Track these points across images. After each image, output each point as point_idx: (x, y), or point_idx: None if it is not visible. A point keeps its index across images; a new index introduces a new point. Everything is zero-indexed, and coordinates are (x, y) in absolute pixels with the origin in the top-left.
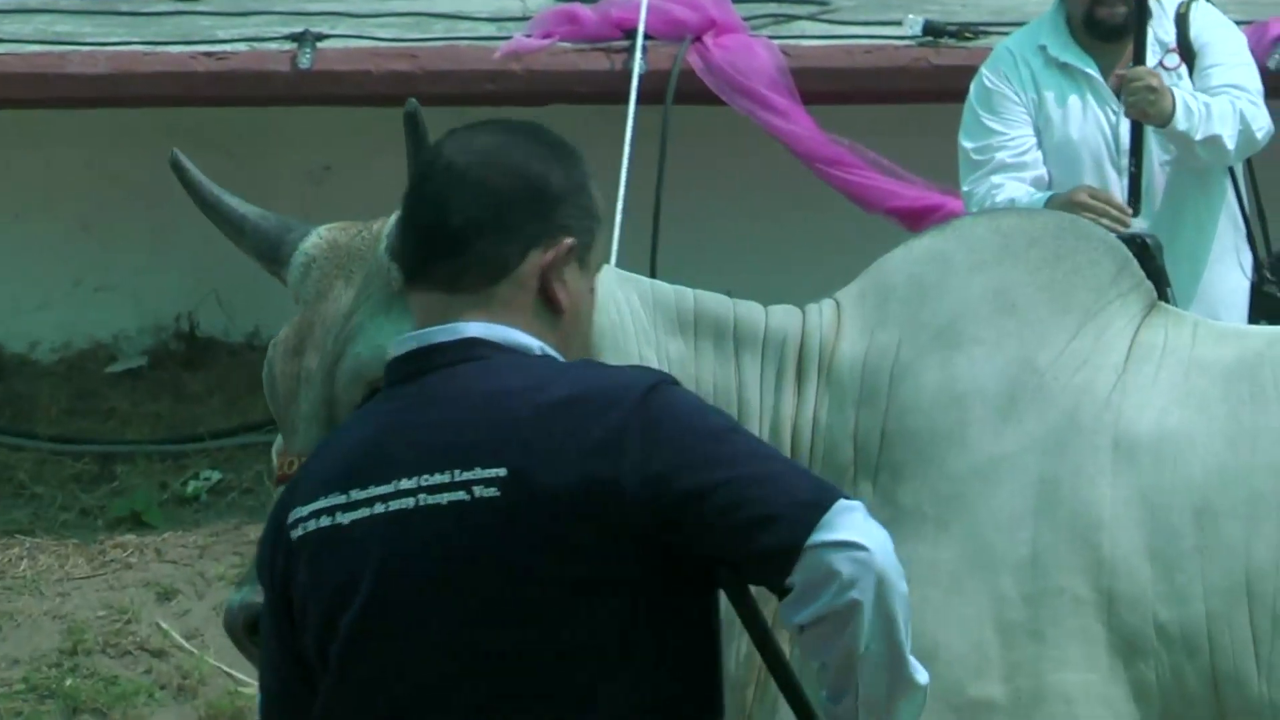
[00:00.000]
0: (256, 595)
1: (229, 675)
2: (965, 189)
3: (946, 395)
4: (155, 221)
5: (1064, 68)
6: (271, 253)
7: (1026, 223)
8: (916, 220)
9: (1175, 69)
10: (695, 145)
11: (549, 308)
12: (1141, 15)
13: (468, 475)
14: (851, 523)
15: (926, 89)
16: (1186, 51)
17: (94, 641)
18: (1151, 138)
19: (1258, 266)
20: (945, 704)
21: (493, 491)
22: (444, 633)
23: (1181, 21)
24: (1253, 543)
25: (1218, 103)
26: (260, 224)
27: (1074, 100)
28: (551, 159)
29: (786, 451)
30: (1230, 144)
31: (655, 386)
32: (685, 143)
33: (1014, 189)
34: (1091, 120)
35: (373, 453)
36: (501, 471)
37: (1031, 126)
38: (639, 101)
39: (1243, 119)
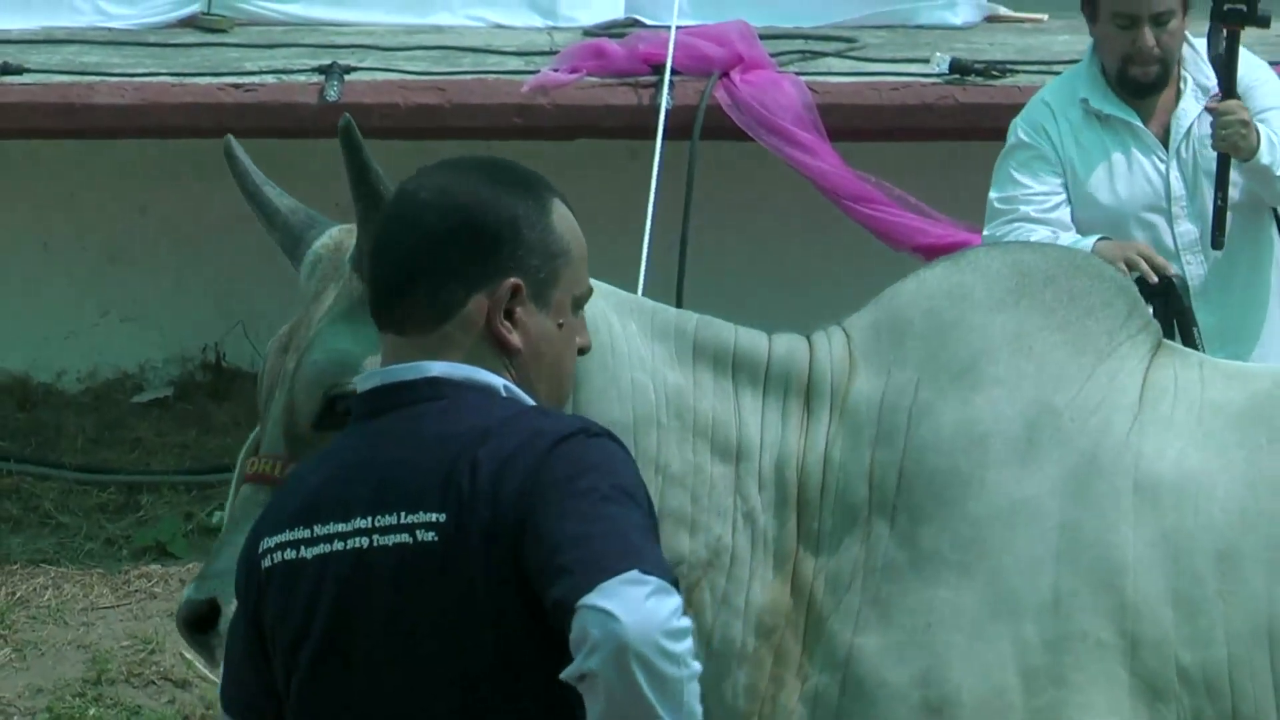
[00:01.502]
0: (199, 594)
1: None
2: (985, 233)
3: (967, 437)
4: (182, 252)
5: (1106, 120)
6: (292, 247)
7: (1041, 260)
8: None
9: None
10: (721, 180)
11: (500, 348)
12: (1233, 46)
13: (412, 518)
14: (623, 594)
15: (953, 127)
16: (1229, 96)
17: (118, 671)
18: (1202, 182)
19: None
20: None
21: (431, 536)
22: (391, 673)
23: (1218, 66)
24: (1274, 588)
25: None
26: (290, 217)
27: (1119, 154)
28: (501, 197)
29: (793, 488)
30: None
31: (568, 437)
32: (711, 178)
33: (1036, 232)
34: (1139, 172)
35: (335, 489)
36: (441, 517)
37: (1062, 183)
38: (665, 136)
39: None
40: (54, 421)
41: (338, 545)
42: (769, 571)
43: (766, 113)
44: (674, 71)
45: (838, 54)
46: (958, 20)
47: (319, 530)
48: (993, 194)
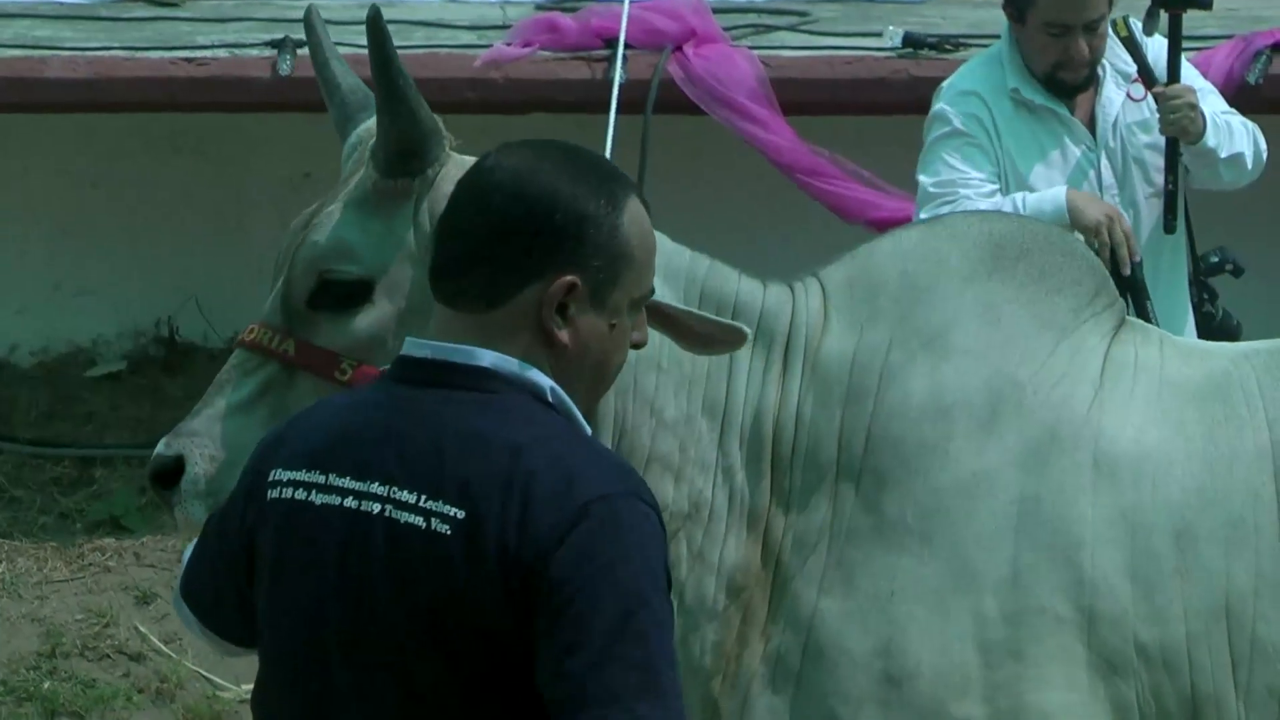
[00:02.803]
0: (168, 450)
1: (207, 679)
2: (919, 218)
3: (934, 405)
4: (135, 226)
5: (1036, 110)
6: (343, 124)
7: (1018, 233)
8: None
9: (1143, 99)
10: (675, 155)
11: (546, 343)
12: (1176, 30)
13: (432, 505)
14: None
15: (906, 100)
16: (1148, 80)
17: (72, 645)
18: (1132, 170)
19: (1193, 286)
20: None
21: (445, 529)
22: (369, 639)
23: (1131, 48)
24: (1232, 566)
25: (1234, 121)
26: (347, 96)
27: (1051, 144)
28: (575, 192)
29: (768, 445)
30: (1249, 162)
31: (605, 499)
32: (665, 152)
33: (967, 207)
34: (1071, 162)
35: (356, 444)
36: (460, 514)
37: (997, 173)
38: (619, 111)
39: (1255, 138)
40: (7, 395)
41: (349, 502)
42: (743, 530)
43: (720, 87)
44: (627, 45)
45: (791, 28)
46: None
47: (333, 480)
48: (925, 178)
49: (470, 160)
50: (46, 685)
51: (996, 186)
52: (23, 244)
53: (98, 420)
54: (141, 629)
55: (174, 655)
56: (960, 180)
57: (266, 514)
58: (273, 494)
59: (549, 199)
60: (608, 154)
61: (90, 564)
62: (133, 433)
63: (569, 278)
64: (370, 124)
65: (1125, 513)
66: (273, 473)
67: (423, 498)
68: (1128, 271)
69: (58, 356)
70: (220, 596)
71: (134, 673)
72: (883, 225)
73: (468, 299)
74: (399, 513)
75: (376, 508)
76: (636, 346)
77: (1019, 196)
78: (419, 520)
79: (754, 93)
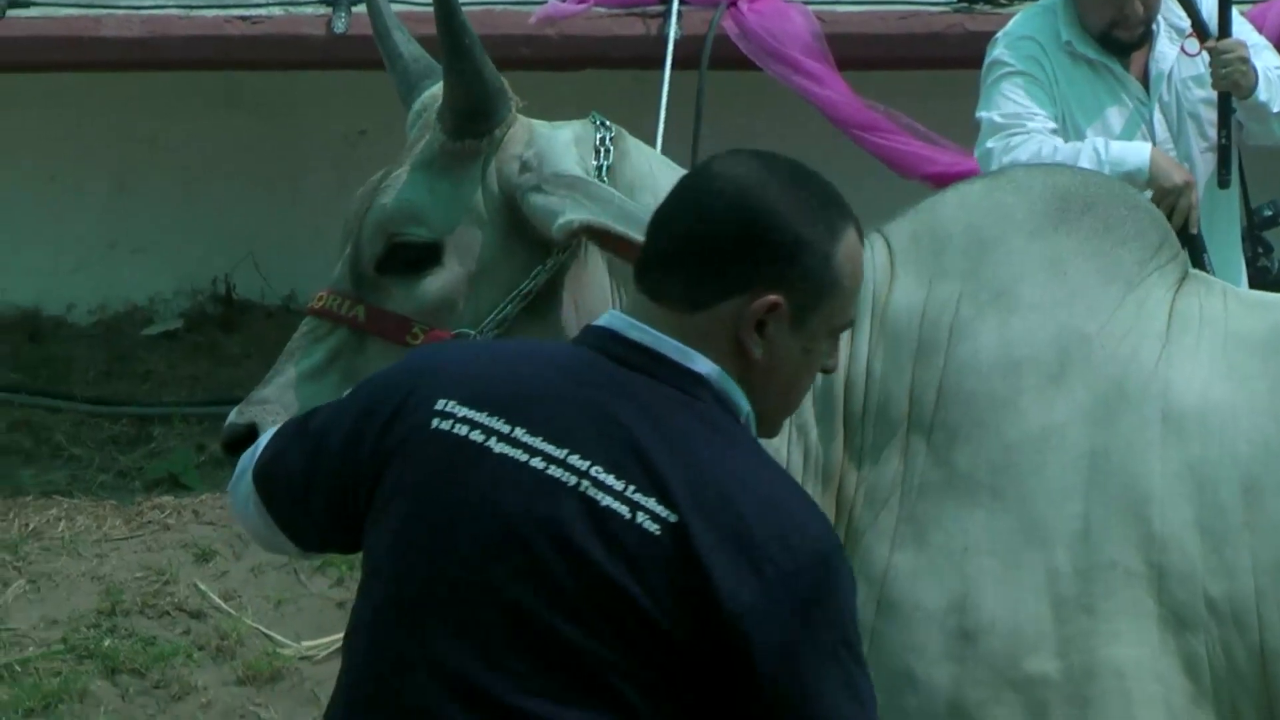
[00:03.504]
0: (240, 418)
1: (267, 636)
2: (990, 145)
3: (1004, 360)
4: (191, 184)
5: (1091, 64)
6: (406, 93)
7: (1082, 186)
8: None
9: (1197, 54)
10: (730, 110)
11: (739, 356)
12: None
13: (639, 498)
14: None
15: (962, 55)
16: (1202, 35)
17: (132, 602)
18: (1187, 125)
19: (1247, 240)
20: (1001, 678)
21: (655, 528)
22: (525, 604)
23: (1185, 2)
24: None
25: None
26: (410, 65)
27: (1107, 98)
28: (794, 215)
29: (839, 402)
30: None
31: (824, 553)
32: (720, 108)
33: (1044, 141)
34: (1126, 116)
35: (550, 404)
36: (673, 517)
37: (1055, 116)
38: (674, 67)
39: None
40: (64, 355)
41: (536, 462)
42: (819, 486)
43: (775, 42)
44: (681, 1)
45: None
46: None
47: (520, 434)
48: (990, 113)
49: (537, 123)
50: (107, 643)
51: (1056, 128)
52: (79, 203)
53: (155, 378)
54: (201, 586)
55: (233, 613)
56: (1026, 114)
57: (423, 441)
58: (438, 424)
59: (768, 217)
60: (662, 110)
61: (149, 522)
62: (190, 390)
63: (774, 296)
64: (434, 90)
65: (1193, 467)
66: (440, 401)
67: (630, 488)
68: (1195, 230)
69: (115, 315)
70: (303, 497)
71: (194, 630)
72: (938, 180)
73: (670, 298)
74: (599, 493)
75: (572, 480)
76: (826, 371)
77: (1100, 142)
78: (623, 509)
79: (809, 47)
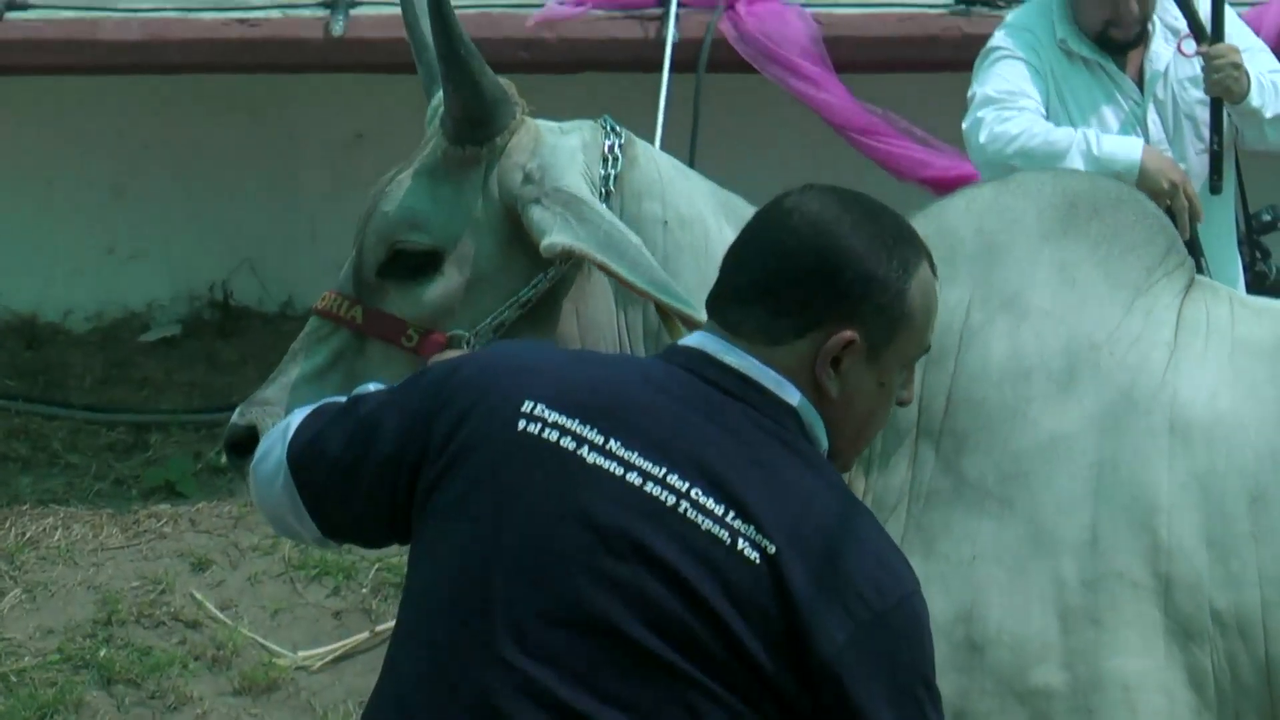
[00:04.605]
0: (241, 419)
1: (263, 646)
2: (975, 116)
3: (1014, 368)
4: (189, 189)
5: (1085, 62)
6: (429, 86)
7: (1090, 191)
8: (949, 189)
9: (1194, 55)
10: (728, 113)
11: (814, 391)
12: None
13: (740, 525)
14: None
15: (959, 57)
16: (1199, 36)
17: (128, 612)
18: (1183, 125)
19: (1244, 245)
20: (1008, 689)
21: (754, 555)
22: (614, 619)
23: (1183, 4)
24: None
25: None
26: (435, 57)
27: (1101, 97)
28: (868, 251)
29: None
30: None
31: (910, 597)
32: (718, 111)
33: (1037, 121)
34: (1119, 116)
35: (649, 421)
36: (772, 548)
37: (1046, 104)
38: (672, 70)
39: None
40: (61, 361)
41: (633, 477)
42: None
43: (772, 45)
44: (679, 4)
45: None
46: None
47: (615, 447)
48: (983, 88)
49: (547, 124)
50: (102, 653)
51: (1044, 114)
52: (76, 207)
53: (152, 385)
54: (197, 596)
55: (230, 622)
56: (1020, 93)
57: (507, 441)
58: (525, 425)
59: (843, 255)
60: (661, 113)
61: (145, 530)
62: (187, 398)
63: (849, 333)
64: None
65: (1200, 477)
66: (526, 403)
67: (730, 514)
68: (1187, 236)
69: (112, 321)
70: (345, 483)
71: (190, 640)
72: (936, 183)
73: (745, 332)
74: (700, 516)
75: (671, 500)
76: (902, 404)
77: (1093, 134)
78: (724, 534)
79: (807, 50)
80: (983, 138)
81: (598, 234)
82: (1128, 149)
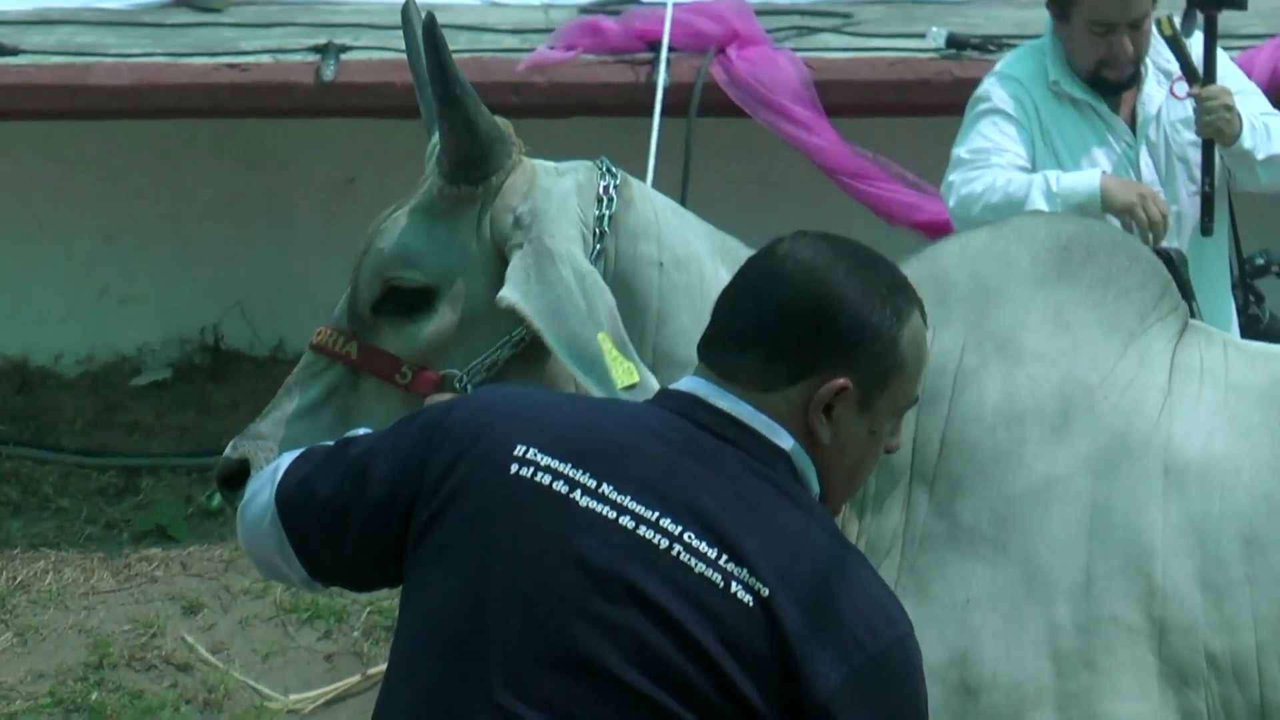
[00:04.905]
0: (234, 452)
1: (255, 689)
2: (951, 178)
3: (1008, 411)
4: (179, 233)
5: (1076, 104)
6: (430, 125)
7: (1084, 236)
8: (940, 234)
9: (1185, 98)
10: (719, 157)
11: (806, 437)
12: (1211, 30)
13: (733, 567)
14: None
15: (950, 101)
16: (1191, 79)
17: (119, 655)
18: (1176, 167)
19: (1238, 288)
20: None
21: (747, 598)
22: (608, 662)
23: (1175, 46)
24: None
25: (1274, 123)
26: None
27: (1093, 138)
28: (862, 299)
29: None
30: None
31: (903, 640)
32: (709, 155)
33: (999, 174)
34: (1111, 157)
35: (641, 464)
36: (765, 590)
37: (1030, 157)
38: (663, 114)
39: None
40: (52, 404)
41: (625, 521)
42: None
43: (763, 89)
44: (670, 48)
45: (834, 29)
46: None
47: (607, 490)
48: (959, 148)
49: (543, 165)
50: (94, 696)
51: (1027, 166)
52: (67, 251)
53: (143, 429)
54: (188, 639)
55: (221, 665)
56: (994, 149)
57: (499, 484)
58: (518, 469)
59: (837, 302)
60: (652, 157)
61: (137, 574)
62: (178, 441)
63: (841, 380)
64: None
65: (1194, 520)
66: (519, 447)
67: (723, 557)
68: (1159, 245)
69: (103, 365)
70: (336, 524)
71: (181, 683)
72: (927, 227)
73: (740, 379)
74: (693, 559)
75: (664, 543)
76: (889, 451)
77: (1052, 175)
78: (717, 577)
79: (797, 95)
80: (952, 202)
81: (548, 296)
82: (1086, 179)
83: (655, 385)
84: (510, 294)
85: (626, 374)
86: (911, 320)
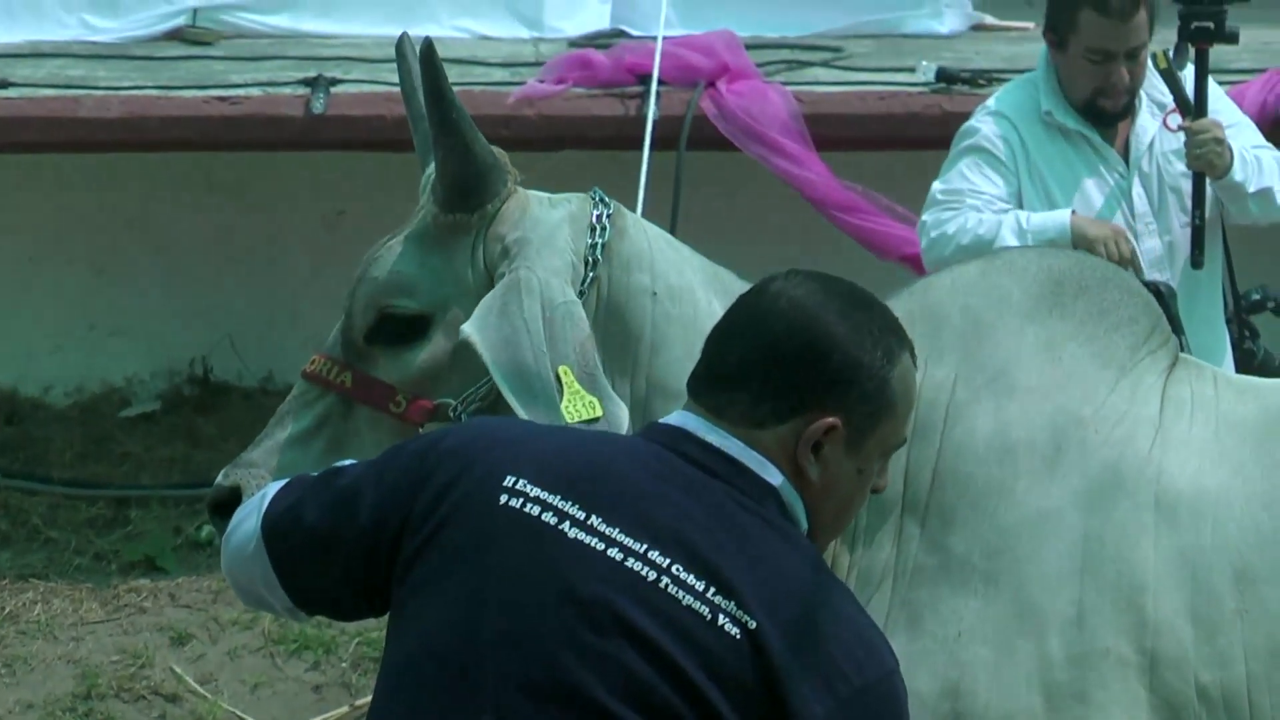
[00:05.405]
0: (226, 480)
1: None
2: (924, 218)
3: (1000, 444)
4: (169, 266)
5: (1069, 134)
6: (424, 155)
7: (1076, 270)
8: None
9: (1178, 130)
10: (708, 191)
11: (795, 475)
12: (1202, 64)
13: (720, 600)
14: None
15: (940, 135)
16: (1185, 111)
17: (107, 686)
18: (1168, 198)
19: (1232, 323)
20: None
21: (735, 631)
22: (595, 695)
23: (1170, 79)
24: None
25: (1265, 156)
26: (429, 132)
27: (1084, 169)
28: (852, 339)
29: None
30: (1279, 197)
31: (891, 675)
32: (699, 188)
33: (970, 215)
34: (1103, 189)
35: (630, 497)
36: (752, 623)
37: (1012, 193)
38: (653, 147)
39: None
40: (42, 436)
41: (614, 553)
42: None
43: (753, 123)
44: (660, 82)
45: (824, 63)
46: (944, 29)
47: (596, 522)
48: (937, 185)
49: (537, 195)
50: None
51: (1008, 205)
52: (57, 284)
53: (132, 461)
54: (177, 670)
55: (209, 696)
56: (969, 191)
57: (488, 515)
58: (507, 500)
59: (828, 341)
60: (641, 190)
61: (125, 605)
62: (167, 473)
63: (831, 419)
64: None
65: (1186, 554)
66: (508, 478)
67: (711, 589)
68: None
69: (92, 397)
70: (322, 553)
71: (169, 714)
72: (917, 261)
73: (730, 416)
74: (681, 592)
75: (652, 575)
76: (876, 491)
77: (1023, 214)
78: (704, 609)
79: (787, 128)
80: (924, 243)
81: (504, 330)
82: (1056, 218)
83: (624, 420)
84: (468, 326)
85: (587, 408)
86: (902, 361)
